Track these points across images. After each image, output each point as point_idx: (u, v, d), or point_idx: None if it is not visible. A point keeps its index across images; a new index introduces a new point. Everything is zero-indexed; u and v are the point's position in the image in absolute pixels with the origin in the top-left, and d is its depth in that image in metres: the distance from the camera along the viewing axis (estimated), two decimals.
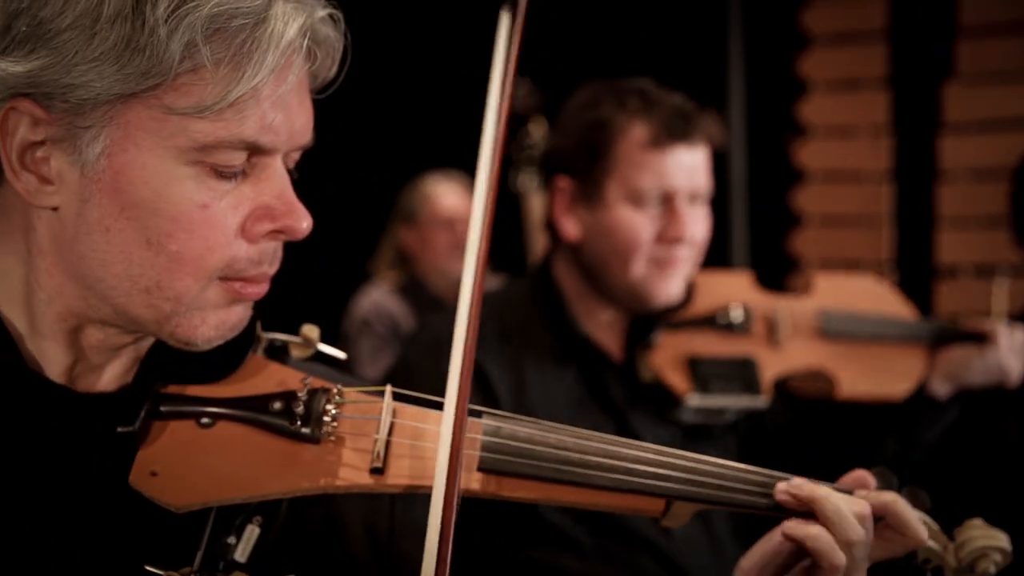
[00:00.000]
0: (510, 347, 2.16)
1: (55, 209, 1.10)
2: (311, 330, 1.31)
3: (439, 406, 1.18)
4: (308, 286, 1.15)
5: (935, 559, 1.29)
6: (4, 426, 1.12)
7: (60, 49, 1.05)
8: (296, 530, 1.21)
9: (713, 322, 2.31)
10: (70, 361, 1.17)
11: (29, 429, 1.13)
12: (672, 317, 2.27)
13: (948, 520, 1.32)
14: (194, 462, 1.14)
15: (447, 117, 2.23)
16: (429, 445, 1.18)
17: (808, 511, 1.21)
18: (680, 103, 2.18)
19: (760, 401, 2.26)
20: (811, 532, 1.19)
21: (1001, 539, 1.29)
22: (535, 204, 4.48)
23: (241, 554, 1.13)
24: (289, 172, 1.17)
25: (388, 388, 1.22)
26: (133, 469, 1.12)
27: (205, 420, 1.16)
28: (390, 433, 1.18)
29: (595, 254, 2.19)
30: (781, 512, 1.23)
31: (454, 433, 1.11)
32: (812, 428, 2.44)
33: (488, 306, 2.19)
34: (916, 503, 1.27)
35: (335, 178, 1.18)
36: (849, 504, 1.21)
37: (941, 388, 2.35)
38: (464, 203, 4.54)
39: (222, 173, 1.10)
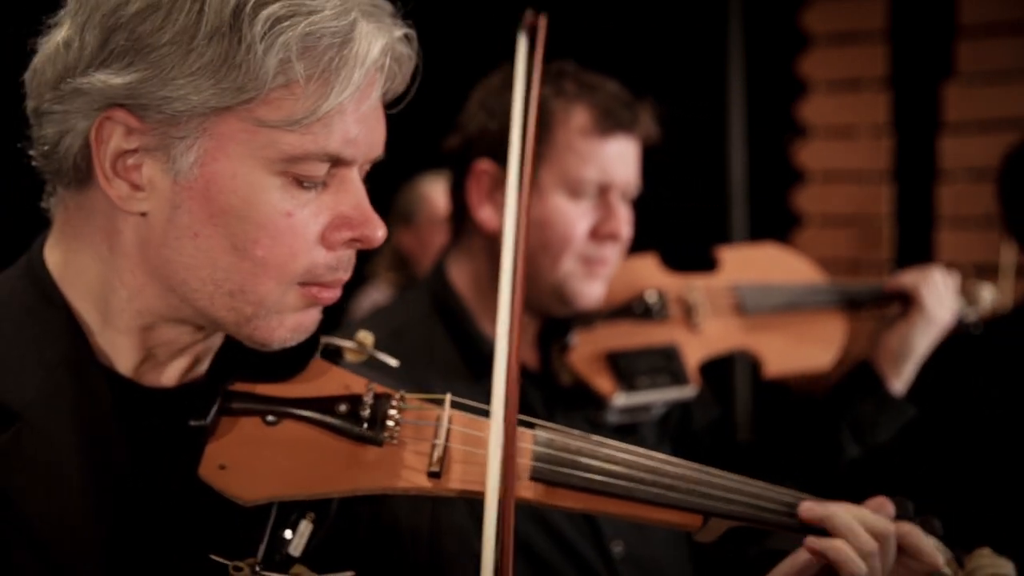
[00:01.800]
0: (414, 370, 2.00)
1: (144, 215, 1.15)
2: (366, 336, 1.37)
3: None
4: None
5: None
6: (78, 418, 1.16)
7: (158, 63, 1.10)
8: (345, 527, 1.26)
9: (629, 312, 2.20)
10: (140, 357, 1.22)
11: (101, 420, 1.17)
12: (585, 313, 2.12)
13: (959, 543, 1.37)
14: (261, 457, 1.19)
15: (444, 115, 2.18)
16: (484, 452, 1.22)
17: (825, 528, 1.28)
18: (618, 90, 2.05)
19: (688, 391, 2.16)
20: (832, 543, 1.25)
21: (1008, 567, 1.36)
22: (436, 196, 4.44)
23: (295, 548, 1.18)
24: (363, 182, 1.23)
25: (448, 396, 1.27)
26: (203, 462, 1.17)
27: (271, 418, 1.21)
28: (448, 439, 1.23)
29: None
30: (803, 531, 1.29)
31: (505, 446, 1.17)
32: (761, 427, 2.37)
33: (384, 326, 2.08)
34: (929, 531, 1.33)
35: None
36: (866, 520, 1.28)
37: (897, 382, 2.25)
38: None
39: (305, 183, 1.15)
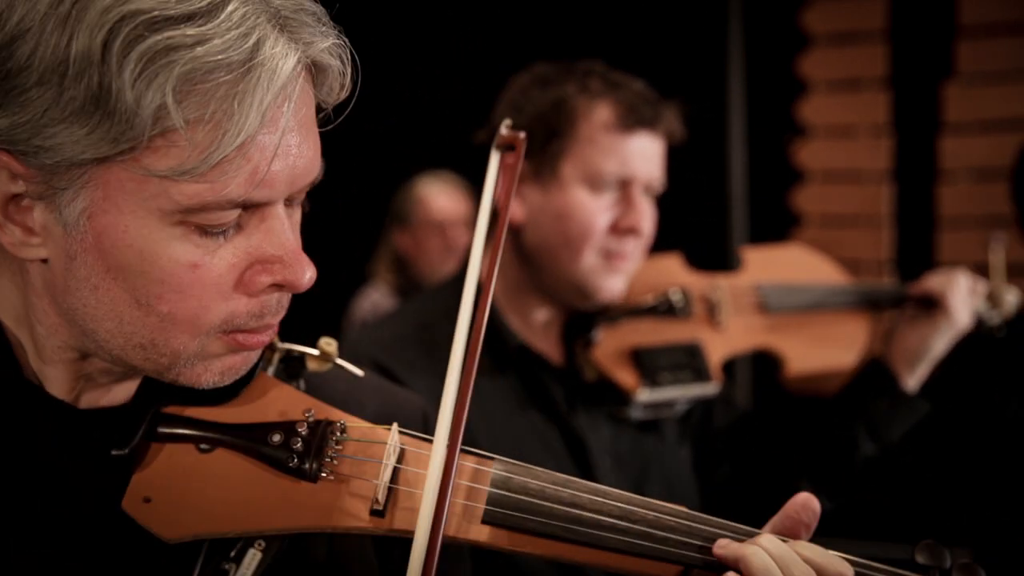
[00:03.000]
0: (438, 361, 2.00)
1: (44, 261, 1.05)
2: (328, 344, 1.25)
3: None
4: (308, 289, 1.15)
5: None
6: (3, 444, 1.09)
7: (28, 107, 0.98)
8: (299, 556, 1.16)
9: (653, 310, 2.21)
10: (72, 381, 1.13)
11: (25, 445, 1.10)
12: (610, 310, 2.15)
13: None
14: (189, 490, 1.09)
15: (443, 115, 2.19)
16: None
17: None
18: (643, 89, 2.08)
19: (711, 388, 2.17)
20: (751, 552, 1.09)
21: None
22: (431, 198, 4.44)
23: None
24: (301, 205, 1.11)
25: (395, 427, 1.16)
26: (127, 493, 1.08)
27: (204, 445, 1.11)
28: (394, 476, 1.12)
29: (541, 238, 2.04)
30: None
31: (442, 484, 1.07)
32: (772, 427, 2.37)
33: (410, 318, 2.13)
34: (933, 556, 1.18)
35: (334, 180, 1.18)
36: (789, 564, 1.09)
37: (911, 380, 2.25)
38: (455, 205, 4.54)
39: (210, 231, 1.02)
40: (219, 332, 1.06)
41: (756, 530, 1.15)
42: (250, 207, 1.03)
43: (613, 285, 2.07)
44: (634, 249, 2.08)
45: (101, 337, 1.06)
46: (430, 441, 1.14)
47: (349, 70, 1.08)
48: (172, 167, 0.97)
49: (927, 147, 4.05)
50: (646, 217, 2.06)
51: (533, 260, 2.07)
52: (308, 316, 1.34)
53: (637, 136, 2.03)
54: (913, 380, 2.26)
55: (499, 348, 2.06)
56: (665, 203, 2.21)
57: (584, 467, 2.05)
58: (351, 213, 4.15)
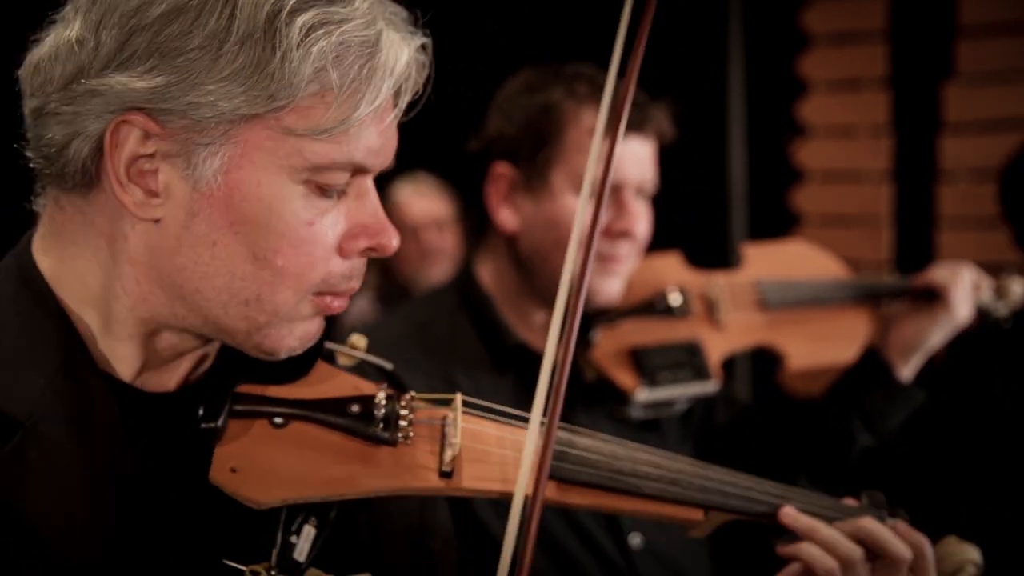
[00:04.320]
0: (439, 361, 2.03)
1: (156, 221, 1.12)
2: (359, 339, 1.36)
3: (505, 416, 1.28)
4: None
5: None
6: (81, 426, 1.12)
7: (186, 68, 1.07)
8: (344, 532, 1.24)
9: (651, 309, 2.21)
10: (141, 362, 1.19)
11: (105, 428, 1.14)
12: (608, 311, 2.16)
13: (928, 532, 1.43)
14: (272, 459, 1.17)
15: (424, 116, 2.18)
16: (496, 452, 1.25)
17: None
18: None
19: (711, 386, 2.18)
20: (801, 545, 1.33)
21: (974, 553, 1.45)
22: (406, 202, 4.42)
23: (299, 553, 1.17)
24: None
25: (458, 396, 1.27)
26: (213, 465, 1.15)
27: (278, 420, 1.20)
28: (459, 439, 1.23)
29: (535, 246, 2.05)
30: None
31: (544, 446, 1.18)
32: (770, 422, 2.37)
33: (410, 320, 2.15)
34: (874, 503, 1.41)
35: None
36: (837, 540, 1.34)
37: (905, 369, 2.24)
38: (429, 208, 4.51)
39: (326, 192, 1.14)
40: (314, 293, 1.16)
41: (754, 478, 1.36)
42: (356, 174, 1.16)
43: (610, 288, 2.07)
44: (628, 251, 2.08)
45: (204, 295, 1.14)
46: (489, 409, 1.28)
47: (428, 71, 1.22)
48: (312, 127, 1.10)
49: (927, 147, 4.05)
50: (639, 220, 2.06)
51: (529, 267, 2.08)
52: None
53: (626, 140, 2.02)
54: (908, 370, 2.25)
55: (498, 348, 2.07)
56: (665, 203, 2.21)
57: None
58: None
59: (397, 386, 1.31)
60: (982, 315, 2.33)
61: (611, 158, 1.29)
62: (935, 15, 3.99)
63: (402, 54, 1.14)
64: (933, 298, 2.25)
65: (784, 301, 2.32)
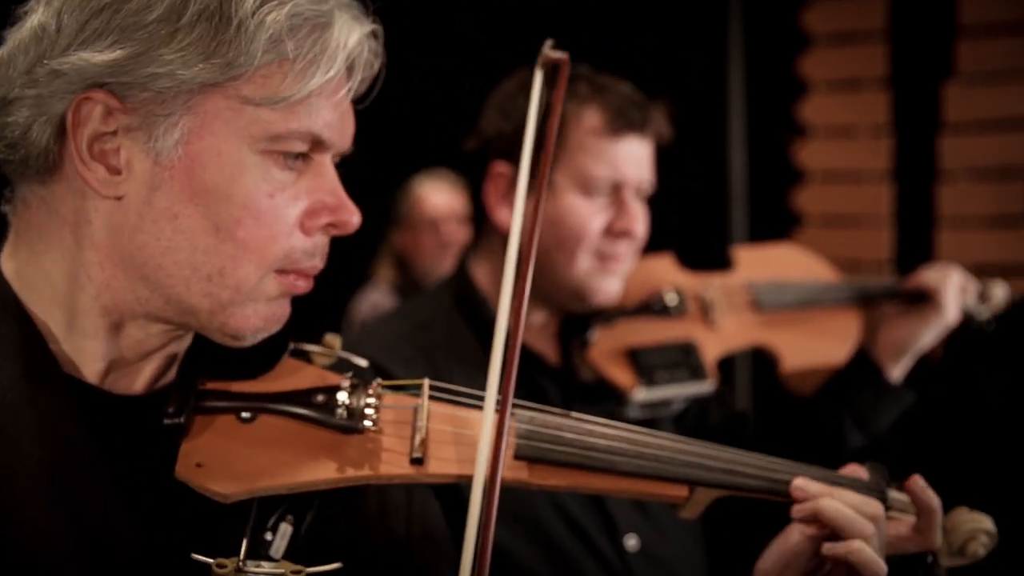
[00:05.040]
0: (436, 362, 2.03)
1: (119, 199, 1.13)
2: (333, 339, 1.35)
3: (473, 399, 1.25)
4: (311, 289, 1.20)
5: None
6: (42, 431, 1.12)
7: (145, 41, 1.09)
8: (323, 529, 1.25)
9: (648, 309, 2.22)
10: (107, 362, 1.18)
11: (66, 432, 1.13)
12: (605, 311, 2.16)
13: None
14: (238, 453, 1.17)
15: (443, 113, 2.19)
16: (467, 434, 1.23)
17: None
18: (631, 92, 2.09)
19: (707, 386, 2.18)
20: (819, 503, 1.26)
21: (986, 522, 1.37)
22: (428, 197, 4.45)
23: (276, 551, 1.17)
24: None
25: (426, 382, 1.27)
26: (179, 461, 1.15)
27: (245, 414, 1.20)
28: (428, 424, 1.22)
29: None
30: (789, 498, 1.29)
31: (499, 423, 1.15)
32: (764, 422, 2.38)
33: (408, 320, 2.15)
34: (876, 474, 1.35)
35: (344, 181, 1.23)
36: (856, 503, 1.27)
37: (895, 370, 2.26)
38: (449, 202, 4.56)
39: (285, 163, 1.15)
40: (277, 270, 1.17)
41: (744, 451, 1.31)
42: (315, 149, 1.18)
43: (609, 287, 2.08)
44: (627, 251, 2.09)
45: (167, 272, 1.14)
46: (457, 393, 1.26)
47: (379, 61, 1.25)
48: (268, 95, 1.12)
49: (927, 147, 4.05)
50: (639, 220, 2.07)
51: None
52: (309, 317, 1.35)
53: (627, 140, 2.04)
54: (898, 371, 2.27)
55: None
56: (665, 203, 2.21)
57: None
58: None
59: (371, 378, 1.29)
60: (966, 318, 2.36)
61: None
62: (935, 15, 3.99)
63: (353, 32, 1.17)
64: (923, 300, 2.27)
65: (777, 302, 2.34)
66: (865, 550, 1.22)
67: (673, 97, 2.16)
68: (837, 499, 1.26)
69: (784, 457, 2.25)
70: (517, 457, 1.23)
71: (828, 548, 1.24)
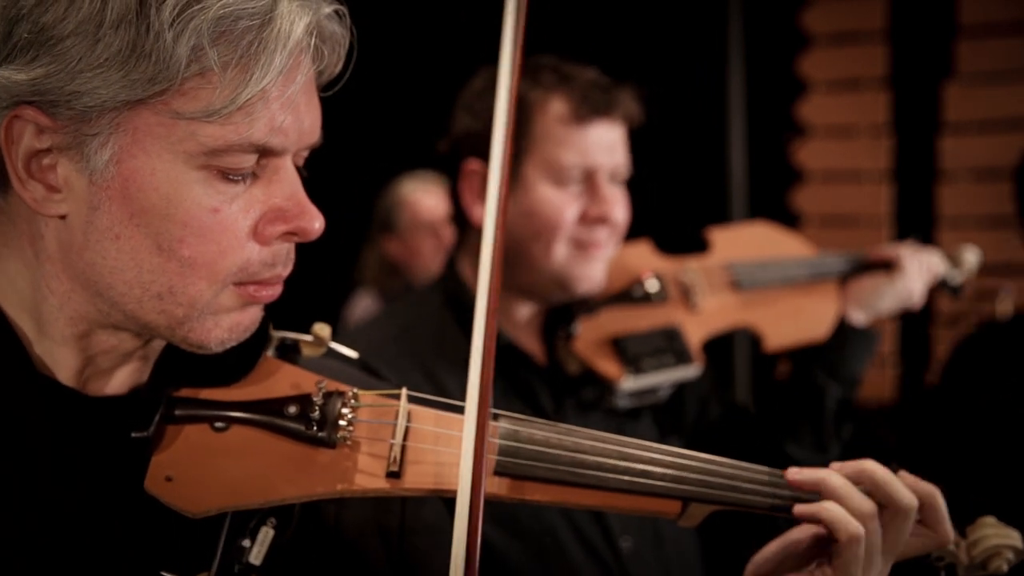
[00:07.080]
0: (424, 362, 2.02)
1: (63, 217, 1.09)
2: (322, 328, 1.30)
3: (455, 409, 1.18)
4: (298, 294, 1.17)
5: (948, 556, 1.28)
6: (16, 431, 1.10)
7: (63, 56, 1.03)
8: (309, 532, 1.20)
9: (629, 296, 2.20)
10: (80, 365, 1.15)
11: (42, 434, 1.12)
12: (587, 301, 2.13)
13: (960, 516, 1.31)
14: (209, 467, 1.12)
15: (420, 115, 2.17)
16: (445, 449, 1.17)
17: (817, 492, 1.21)
18: (596, 77, 2.05)
19: (693, 369, 2.16)
20: (823, 505, 1.19)
21: (1015, 537, 1.28)
22: (417, 199, 4.39)
23: (256, 557, 1.12)
24: (298, 171, 1.15)
25: (404, 391, 1.21)
26: (148, 474, 1.11)
27: (219, 424, 1.15)
28: (406, 437, 1.17)
29: (513, 239, 2.02)
30: (790, 514, 1.22)
31: (477, 440, 1.10)
32: (758, 407, 2.38)
33: (394, 320, 2.14)
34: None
35: (318, 186, 1.19)
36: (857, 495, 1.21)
37: (858, 318, 2.30)
38: (443, 203, 4.47)
39: (231, 176, 1.08)
40: (233, 282, 1.11)
41: (746, 463, 1.24)
42: (266, 156, 1.10)
43: (592, 273, 2.06)
44: (607, 237, 2.07)
45: (118, 291, 1.09)
46: (437, 403, 1.21)
47: (347, 40, 1.16)
48: (201, 108, 1.04)
49: (927, 147, 4.05)
50: (615, 205, 2.04)
51: (508, 260, 2.05)
52: (303, 321, 1.34)
53: (594, 126, 2.01)
54: (860, 315, 2.32)
55: None
56: (665, 202, 2.21)
57: None
58: (335, 219, 4.11)
59: (366, 374, 1.25)
60: (940, 284, 2.42)
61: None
62: (935, 15, 3.99)
63: (298, 23, 1.07)
64: (890, 268, 2.34)
65: (756, 282, 2.34)
66: (835, 508, 1.18)
67: (673, 97, 2.15)
68: (829, 487, 1.20)
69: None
70: (497, 473, 1.18)
71: (799, 509, 1.20)
